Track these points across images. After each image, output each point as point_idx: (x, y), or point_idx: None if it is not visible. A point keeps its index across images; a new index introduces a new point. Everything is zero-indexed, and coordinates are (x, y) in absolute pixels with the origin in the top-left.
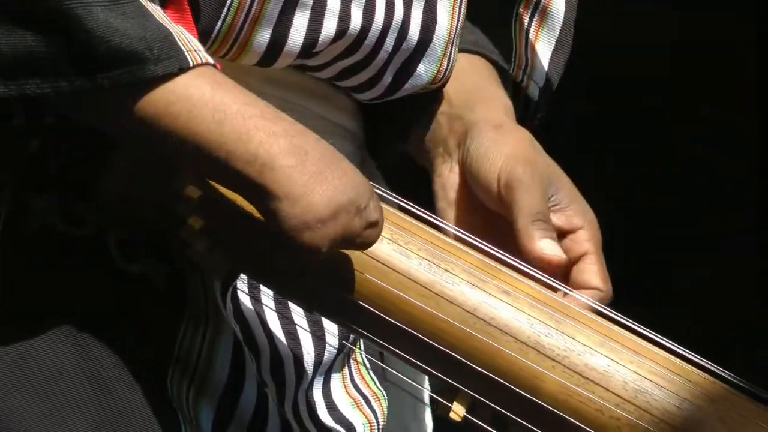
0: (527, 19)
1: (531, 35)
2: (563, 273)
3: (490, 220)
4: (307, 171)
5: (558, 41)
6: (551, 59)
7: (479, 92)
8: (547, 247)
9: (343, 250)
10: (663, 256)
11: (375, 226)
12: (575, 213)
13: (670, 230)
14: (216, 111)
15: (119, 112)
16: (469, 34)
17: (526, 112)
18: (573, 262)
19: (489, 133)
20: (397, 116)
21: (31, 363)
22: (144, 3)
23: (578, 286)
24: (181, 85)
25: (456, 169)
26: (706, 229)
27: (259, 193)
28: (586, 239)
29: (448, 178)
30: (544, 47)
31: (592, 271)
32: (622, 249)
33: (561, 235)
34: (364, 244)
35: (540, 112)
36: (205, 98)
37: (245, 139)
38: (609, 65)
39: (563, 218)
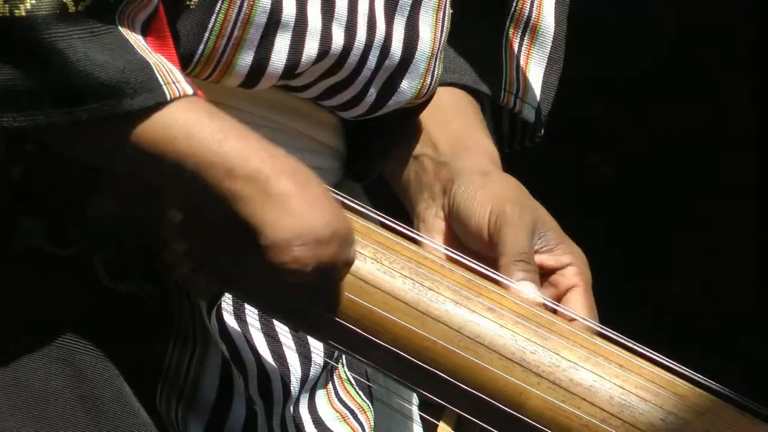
0: (517, 40)
1: (522, 59)
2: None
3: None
4: (309, 193)
5: (549, 58)
6: (544, 78)
7: (466, 138)
8: (526, 290)
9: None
10: (661, 256)
11: (349, 266)
12: (563, 252)
13: (668, 230)
14: (215, 133)
15: (110, 140)
16: (452, 63)
17: (524, 133)
18: (561, 294)
19: (477, 179)
20: (377, 132)
21: (23, 385)
22: (125, 33)
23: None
24: (178, 109)
25: (441, 214)
26: (704, 229)
27: (257, 206)
28: (574, 274)
29: (432, 224)
30: (536, 66)
31: (579, 302)
32: (620, 250)
33: (551, 272)
34: (337, 280)
35: (538, 131)
36: (203, 121)
37: (248, 157)
38: (606, 65)
39: (552, 258)
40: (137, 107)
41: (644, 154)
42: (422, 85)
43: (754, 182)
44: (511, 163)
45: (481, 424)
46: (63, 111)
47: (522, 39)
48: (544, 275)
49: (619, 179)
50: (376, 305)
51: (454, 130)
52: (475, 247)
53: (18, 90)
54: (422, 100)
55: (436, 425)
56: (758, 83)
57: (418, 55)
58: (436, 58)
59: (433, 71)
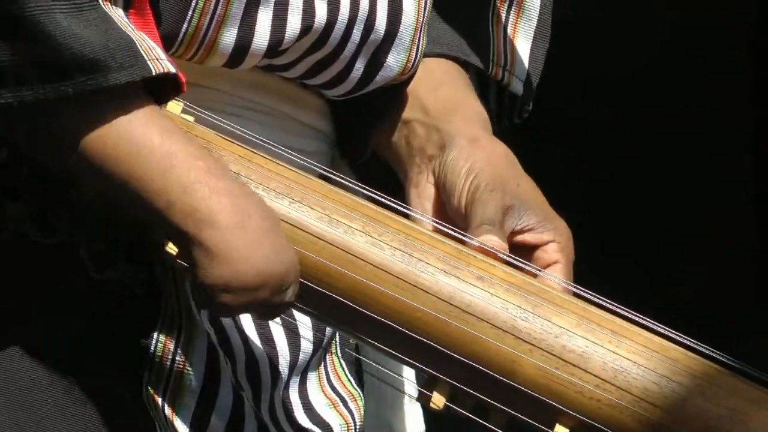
0: (504, 13)
1: (509, 30)
2: None
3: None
4: (245, 236)
5: (536, 32)
6: (531, 51)
7: (456, 104)
8: (488, 239)
9: (318, 244)
10: (656, 259)
11: (287, 307)
12: (545, 229)
13: (667, 231)
14: (163, 158)
15: (65, 149)
16: (441, 35)
17: (513, 108)
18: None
19: (465, 147)
20: (365, 110)
21: (8, 375)
22: (107, 9)
23: None
24: (130, 127)
25: (432, 179)
26: (703, 229)
27: (192, 245)
28: (556, 251)
29: (424, 188)
30: (523, 40)
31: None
32: (619, 250)
33: (532, 249)
34: (266, 318)
35: (526, 106)
36: (153, 144)
37: (188, 191)
38: (599, 65)
39: (533, 236)
40: (123, 81)
41: (637, 155)
42: (408, 58)
43: (751, 183)
44: None
45: (475, 393)
46: (50, 86)
47: (509, 12)
48: (527, 252)
49: (612, 181)
50: (365, 277)
51: (444, 94)
52: (458, 221)
53: (3, 66)
54: (408, 75)
55: (430, 396)
56: (756, 84)
57: (402, 28)
58: (421, 31)
59: (418, 44)
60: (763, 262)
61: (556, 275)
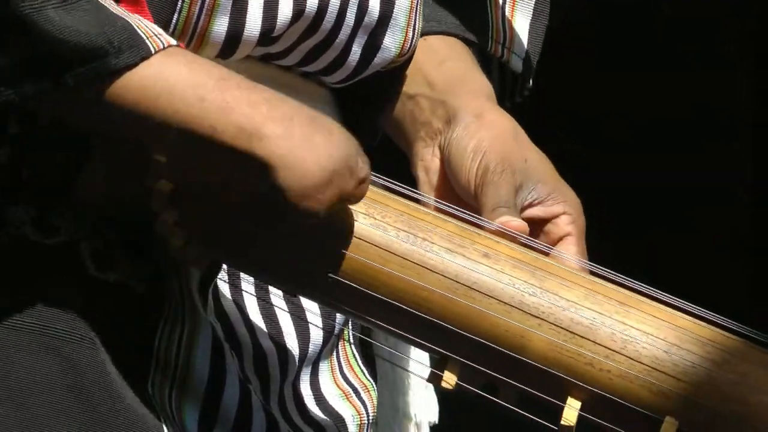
0: None
1: (508, 8)
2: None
3: (470, 206)
4: (296, 137)
5: (535, 9)
6: (530, 28)
7: (461, 77)
8: (507, 222)
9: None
10: (655, 253)
11: (364, 181)
12: (555, 202)
13: (660, 227)
14: (195, 87)
15: (95, 104)
16: (440, 14)
17: (514, 86)
18: (553, 243)
19: (471, 124)
20: (369, 95)
21: (8, 375)
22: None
23: None
24: (155, 67)
25: (438, 153)
26: (698, 226)
27: (250, 164)
28: (567, 223)
29: (431, 162)
30: (521, 18)
31: (571, 252)
32: (618, 249)
33: (542, 222)
34: (356, 201)
35: (526, 83)
36: (182, 76)
37: (227, 111)
38: (602, 64)
39: (543, 209)
40: (123, 65)
41: (629, 150)
42: (405, 39)
43: (748, 179)
44: None
45: (486, 370)
46: (49, 79)
47: None
48: (538, 225)
49: (603, 176)
50: (371, 259)
51: (449, 68)
52: (466, 199)
53: (1, 65)
54: (405, 57)
55: (441, 376)
56: (758, 82)
57: (396, 9)
58: (416, 11)
59: (414, 24)
60: (760, 260)
61: (571, 248)
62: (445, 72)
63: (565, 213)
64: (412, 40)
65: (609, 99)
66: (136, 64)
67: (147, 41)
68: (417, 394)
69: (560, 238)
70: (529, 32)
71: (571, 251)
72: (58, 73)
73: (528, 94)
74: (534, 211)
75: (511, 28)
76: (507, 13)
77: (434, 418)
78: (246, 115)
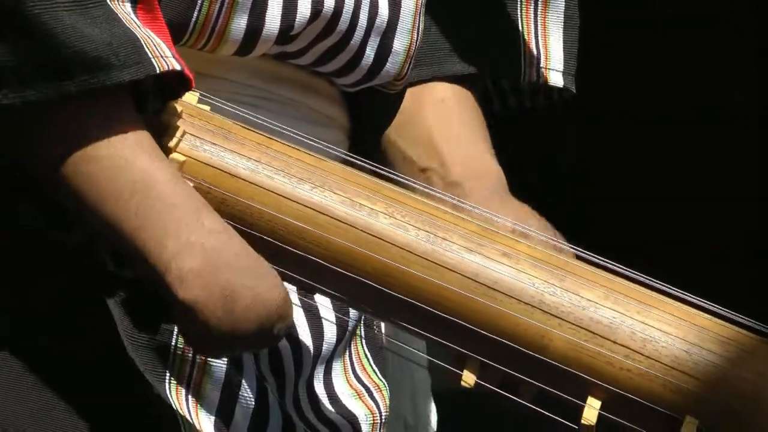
0: (532, 9)
1: (540, 27)
2: None
3: None
4: (213, 294)
5: (566, 16)
6: (564, 38)
7: (477, 165)
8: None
9: (341, 228)
10: (660, 255)
11: (280, 337)
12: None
13: (667, 231)
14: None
15: (51, 161)
16: (472, 52)
17: (559, 96)
18: None
19: (494, 201)
20: (373, 112)
21: (26, 370)
22: (113, 7)
23: None
24: (122, 164)
25: None
26: (704, 228)
27: (173, 300)
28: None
29: None
30: (554, 28)
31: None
32: (619, 248)
33: None
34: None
35: (570, 91)
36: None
37: (161, 243)
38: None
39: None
40: (127, 79)
41: (641, 155)
42: (410, 41)
43: (755, 182)
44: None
45: (506, 369)
46: (53, 85)
47: (536, 7)
48: None
49: (615, 179)
50: (391, 259)
51: (464, 154)
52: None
53: (5, 66)
54: (407, 68)
55: (460, 375)
56: (759, 81)
57: (402, 11)
58: (420, 12)
59: (418, 26)
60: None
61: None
62: (459, 155)
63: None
64: (416, 42)
65: (610, 99)
66: (140, 80)
67: (153, 60)
68: (417, 401)
69: None
70: (563, 42)
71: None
72: (60, 78)
73: (570, 96)
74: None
75: (546, 44)
76: (539, 31)
77: (433, 425)
78: (176, 258)
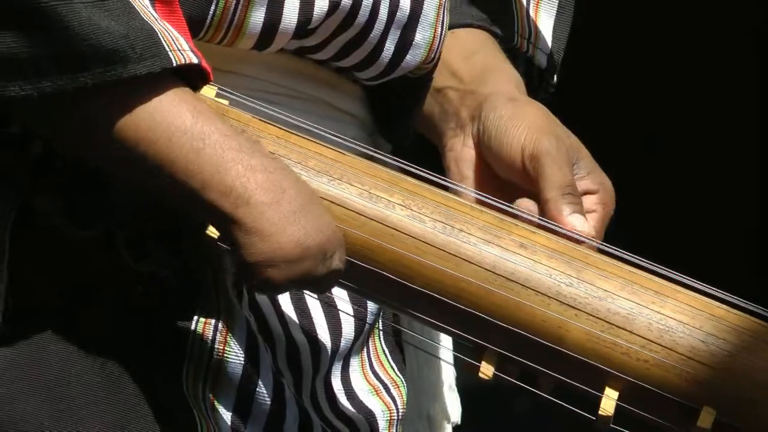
0: None
1: (532, 8)
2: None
3: (505, 193)
4: (281, 210)
5: (559, 7)
6: (554, 26)
7: (489, 66)
8: (578, 222)
9: (359, 220)
10: (662, 253)
11: (336, 275)
12: (592, 181)
13: (668, 230)
14: (195, 139)
15: (98, 136)
16: (465, 8)
17: (540, 83)
18: None
19: (506, 106)
20: (400, 96)
21: (43, 366)
22: (131, 0)
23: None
24: (162, 109)
25: (469, 143)
26: (706, 228)
27: (230, 224)
28: (596, 202)
29: (461, 152)
30: (546, 16)
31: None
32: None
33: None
34: (321, 290)
35: (551, 80)
36: (185, 125)
37: (222, 170)
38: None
39: (580, 184)
40: (143, 72)
41: (643, 154)
42: (434, 35)
43: (756, 181)
44: None
45: (524, 360)
46: (68, 77)
47: None
48: None
49: (616, 178)
50: (408, 251)
51: (478, 58)
52: (508, 176)
53: (22, 57)
54: (433, 62)
55: (478, 366)
56: (760, 81)
57: (426, 4)
58: (444, 7)
59: (442, 20)
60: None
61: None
62: (473, 63)
63: (597, 193)
64: (441, 37)
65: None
66: (155, 95)
67: (170, 53)
68: (440, 395)
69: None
70: (553, 30)
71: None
72: (76, 70)
73: (552, 91)
74: (581, 184)
75: (536, 26)
76: (531, 11)
77: (457, 419)
78: (240, 177)
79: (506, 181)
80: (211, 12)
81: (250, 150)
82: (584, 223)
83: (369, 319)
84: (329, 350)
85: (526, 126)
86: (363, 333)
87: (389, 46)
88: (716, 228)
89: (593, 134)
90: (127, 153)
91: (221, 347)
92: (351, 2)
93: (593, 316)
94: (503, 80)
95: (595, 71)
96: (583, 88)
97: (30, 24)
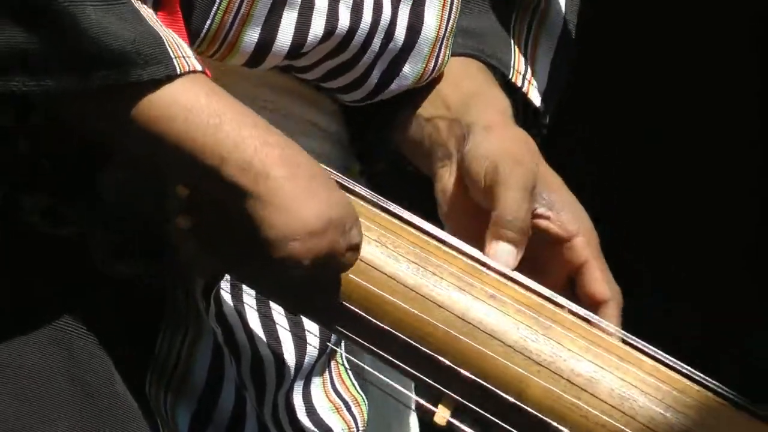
0: (526, 25)
1: (530, 43)
2: (567, 284)
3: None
4: (300, 183)
5: (558, 48)
6: (552, 66)
7: (475, 92)
8: (499, 250)
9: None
10: (661, 255)
11: (356, 249)
12: (570, 220)
13: (669, 229)
14: (212, 117)
15: (115, 115)
16: (464, 40)
17: (535, 119)
18: (574, 272)
19: (480, 134)
20: (379, 111)
21: (13, 366)
22: (138, 6)
23: (587, 299)
24: (178, 89)
25: (455, 172)
26: (706, 228)
27: (251, 200)
28: (583, 247)
29: (448, 182)
30: (543, 54)
31: (597, 280)
32: (620, 247)
33: (558, 242)
34: (344, 266)
35: (544, 119)
36: (201, 104)
37: (241, 146)
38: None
39: (557, 225)
40: (146, 78)
41: (643, 153)
42: (424, 70)
43: (756, 181)
44: None
45: (480, 411)
46: (73, 77)
47: (531, 25)
48: (553, 245)
49: (617, 177)
50: (379, 287)
51: (465, 87)
52: (482, 203)
53: (29, 54)
54: (422, 84)
55: (434, 411)
56: (762, 81)
57: (421, 39)
58: (441, 44)
59: (437, 56)
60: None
61: (595, 274)
62: (460, 91)
63: (579, 235)
64: (432, 72)
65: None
66: (159, 81)
67: (174, 60)
68: (405, 413)
69: (579, 266)
70: (550, 69)
71: (596, 279)
72: (81, 71)
73: (545, 132)
74: (547, 225)
75: (533, 62)
76: (529, 49)
77: None
78: (258, 153)
79: (489, 212)
80: (206, 26)
81: (265, 127)
82: (508, 254)
83: (334, 337)
84: (293, 366)
85: (492, 152)
86: (326, 351)
87: (376, 73)
88: (716, 226)
89: (594, 128)
90: (144, 133)
91: (186, 357)
92: (347, 30)
93: (556, 374)
94: (487, 107)
95: (595, 69)
96: (583, 87)
97: (40, 22)
